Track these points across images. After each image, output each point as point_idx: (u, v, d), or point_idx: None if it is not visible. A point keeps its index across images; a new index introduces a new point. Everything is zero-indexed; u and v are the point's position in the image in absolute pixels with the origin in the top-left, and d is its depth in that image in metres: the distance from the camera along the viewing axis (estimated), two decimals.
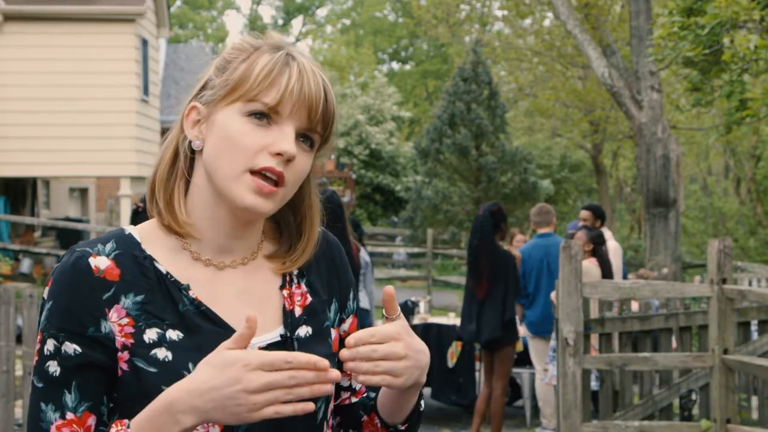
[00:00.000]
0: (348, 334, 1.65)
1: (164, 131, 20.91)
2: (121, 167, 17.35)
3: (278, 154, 1.44)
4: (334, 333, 1.61)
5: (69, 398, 1.42)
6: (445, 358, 8.61)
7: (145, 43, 18.28)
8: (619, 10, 22.95)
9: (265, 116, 1.45)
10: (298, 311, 1.56)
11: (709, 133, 27.05)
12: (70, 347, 1.42)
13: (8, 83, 16.82)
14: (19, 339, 6.45)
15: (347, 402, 1.68)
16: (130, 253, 1.48)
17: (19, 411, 6.59)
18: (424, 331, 8.72)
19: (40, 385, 1.44)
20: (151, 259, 1.48)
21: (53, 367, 1.43)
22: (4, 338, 6.23)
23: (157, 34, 20.00)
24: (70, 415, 1.43)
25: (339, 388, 1.68)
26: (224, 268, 1.52)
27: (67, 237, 18.59)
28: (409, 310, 9.36)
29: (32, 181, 20.30)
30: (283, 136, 1.45)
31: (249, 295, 1.53)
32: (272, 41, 1.51)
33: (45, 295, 1.46)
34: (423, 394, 1.63)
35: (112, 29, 17.24)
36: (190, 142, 1.51)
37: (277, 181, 1.45)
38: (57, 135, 16.91)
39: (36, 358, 1.45)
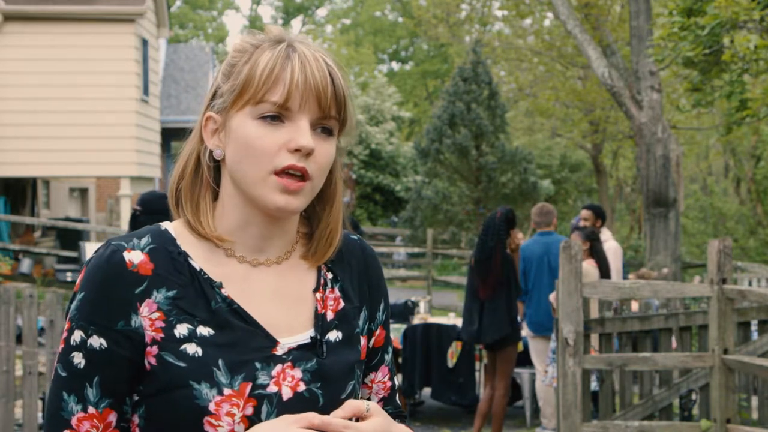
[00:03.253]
0: (374, 346, 1.65)
1: (164, 131, 20.97)
2: (121, 167, 17.35)
3: (296, 150, 1.44)
4: (363, 340, 1.61)
5: (91, 392, 1.43)
6: (445, 358, 8.61)
7: (145, 43, 18.28)
8: (619, 10, 22.94)
9: (276, 115, 1.45)
10: (330, 315, 1.56)
11: (709, 133, 27.06)
12: (97, 341, 1.43)
13: (8, 83, 16.81)
14: (19, 339, 6.45)
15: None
16: (164, 248, 1.48)
17: (19, 411, 6.58)
18: (424, 331, 8.72)
19: (63, 374, 1.44)
20: (185, 255, 1.49)
21: (78, 359, 1.43)
22: (4, 338, 6.23)
23: (157, 34, 20.00)
24: (91, 410, 1.43)
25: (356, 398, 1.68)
26: (258, 265, 1.52)
27: (67, 237, 18.57)
28: (409, 310, 9.36)
29: (32, 181, 20.29)
30: (299, 131, 1.44)
31: (282, 295, 1.53)
32: (272, 35, 1.50)
33: (77, 286, 1.47)
34: None
35: (112, 29, 17.23)
36: (211, 151, 1.51)
37: (302, 176, 1.45)
38: (57, 135, 16.90)
39: (62, 345, 1.46)
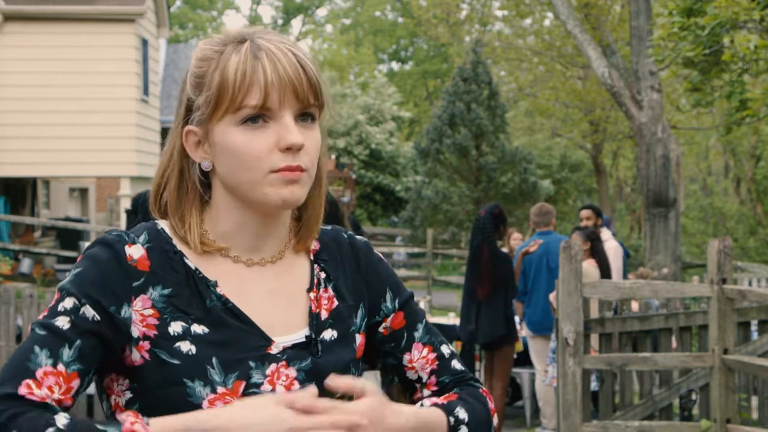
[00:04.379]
0: (392, 330, 1.63)
1: (164, 131, 20.95)
2: (121, 167, 17.35)
3: (287, 148, 1.43)
4: (359, 339, 1.60)
5: (66, 353, 1.39)
6: None
7: (145, 43, 18.27)
8: (619, 10, 22.94)
9: (258, 117, 1.44)
10: (324, 314, 1.56)
11: (709, 133, 27.06)
12: (90, 312, 1.41)
13: (8, 83, 16.81)
14: (19, 339, 6.45)
15: (419, 396, 1.65)
16: (160, 247, 1.49)
17: None
18: None
19: (41, 332, 1.40)
20: (180, 254, 1.49)
21: (62, 322, 1.40)
22: (4, 338, 6.24)
23: (157, 34, 20.00)
24: (61, 367, 1.38)
25: (408, 382, 1.65)
26: (253, 265, 1.52)
27: (67, 237, 18.57)
28: None
29: (32, 181, 20.29)
30: (285, 129, 1.44)
31: (277, 294, 1.53)
32: (232, 36, 1.48)
33: (76, 263, 1.46)
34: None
35: (112, 29, 17.23)
36: (198, 164, 1.50)
37: (298, 170, 1.45)
38: (57, 135, 16.90)
39: (45, 312, 1.43)
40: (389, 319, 1.63)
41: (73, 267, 1.47)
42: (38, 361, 1.38)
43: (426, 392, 1.64)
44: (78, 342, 1.40)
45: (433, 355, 1.65)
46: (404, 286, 1.69)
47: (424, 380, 1.65)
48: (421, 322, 1.66)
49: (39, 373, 1.37)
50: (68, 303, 1.42)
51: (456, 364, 1.66)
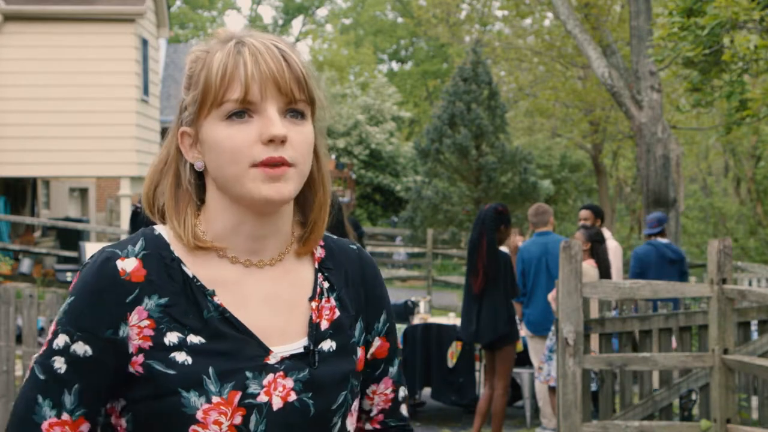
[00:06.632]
0: (374, 357, 1.63)
1: (164, 131, 20.93)
2: (121, 167, 17.34)
3: (270, 141, 1.42)
4: (359, 351, 1.58)
5: (68, 399, 1.41)
6: (445, 358, 8.60)
7: (145, 43, 18.27)
8: (619, 10, 22.94)
9: (242, 112, 1.43)
10: (324, 325, 1.54)
11: (709, 133, 27.05)
12: (81, 348, 1.41)
13: (8, 83, 16.81)
14: (19, 339, 6.45)
15: (359, 425, 1.67)
16: (158, 254, 1.47)
17: None
18: (424, 331, 8.72)
19: (41, 377, 1.42)
20: (178, 261, 1.47)
21: (59, 363, 1.41)
22: (4, 338, 6.24)
23: (157, 34, 19.99)
24: (65, 416, 1.41)
25: (359, 410, 1.65)
26: (250, 266, 1.50)
27: (67, 237, 18.57)
28: (409, 310, 9.36)
29: (32, 181, 20.29)
30: (268, 122, 1.42)
31: (275, 300, 1.51)
32: (221, 37, 1.49)
33: (70, 290, 1.46)
34: None
35: (112, 29, 17.23)
36: (191, 165, 1.50)
37: (281, 164, 1.43)
38: (57, 135, 16.90)
39: (44, 348, 1.44)
40: (375, 345, 1.63)
41: (70, 287, 1.46)
42: (42, 414, 1.40)
43: (368, 426, 1.66)
44: (77, 386, 1.41)
45: (391, 395, 1.66)
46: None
47: (372, 414, 1.66)
48: (398, 357, 1.67)
49: (44, 426, 1.40)
50: (60, 340, 1.42)
51: (404, 410, 1.68)
